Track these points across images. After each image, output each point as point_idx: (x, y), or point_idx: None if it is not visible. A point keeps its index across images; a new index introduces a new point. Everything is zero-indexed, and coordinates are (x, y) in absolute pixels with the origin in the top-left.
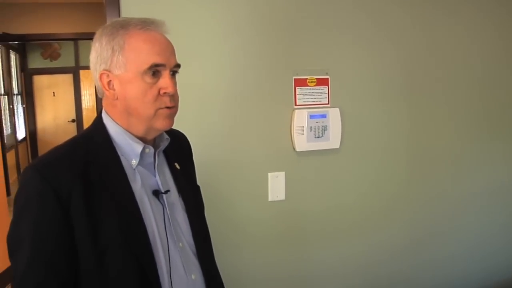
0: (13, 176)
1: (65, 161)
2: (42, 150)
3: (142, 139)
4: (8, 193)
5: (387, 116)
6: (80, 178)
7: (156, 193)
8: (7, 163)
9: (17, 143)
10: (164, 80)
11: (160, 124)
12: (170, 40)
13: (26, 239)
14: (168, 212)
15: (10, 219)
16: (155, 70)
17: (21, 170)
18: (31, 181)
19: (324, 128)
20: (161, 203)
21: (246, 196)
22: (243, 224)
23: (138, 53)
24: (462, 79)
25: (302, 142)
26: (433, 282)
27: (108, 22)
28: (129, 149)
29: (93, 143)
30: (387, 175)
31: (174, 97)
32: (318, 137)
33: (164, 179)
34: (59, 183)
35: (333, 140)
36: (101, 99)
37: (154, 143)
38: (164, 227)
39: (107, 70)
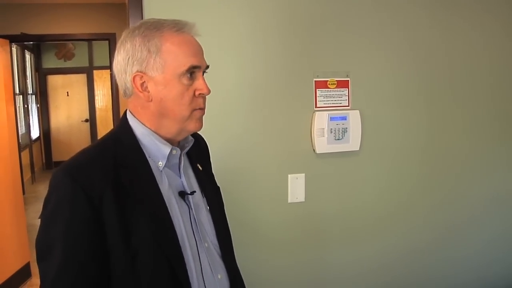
0: (27, 175)
1: (96, 164)
2: (56, 149)
3: (169, 141)
4: (23, 192)
5: (406, 119)
6: (111, 181)
7: (182, 194)
8: (21, 162)
9: (31, 142)
10: (199, 81)
11: (193, 126)
12: None
13: (57, 243)
14: (194, 213)
15: (26, 218)
16: (191, 72)
17: (35, 169)
18: (63, 185)
19: (344, 130)
20: (187, 204)
21: (266, 198)
22: (262, 225)
23: (176, 55)
24: (480, 84)
25: (322, 144)
26: (449, 284)
27: (133, 22)
28: (156, 151)
29: (121, 145)
30: (406, 178)
31: (204, 98)
32: (338, 139)
33: (188, 180)
34: (91, 186)
35: (353, 142)
36: (116, 100)
37: (179, 144)
38: (191, 228)
39: (141, 72)
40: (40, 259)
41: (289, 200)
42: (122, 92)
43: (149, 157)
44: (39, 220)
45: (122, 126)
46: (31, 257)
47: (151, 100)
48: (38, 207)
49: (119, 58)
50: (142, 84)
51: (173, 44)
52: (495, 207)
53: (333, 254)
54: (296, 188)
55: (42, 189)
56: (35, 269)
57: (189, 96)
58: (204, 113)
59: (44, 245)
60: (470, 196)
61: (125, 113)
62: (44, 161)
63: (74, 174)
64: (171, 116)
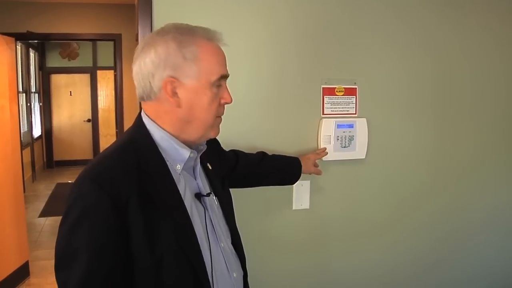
0: (28, 174)
1: (120, 170)
2: (57, 148)
3: (186, 144)
4: (24, 190)
5: (413, 128)
6: (135, 187)
7: (198, 196)
8: (23, 161)
9: (32, 141)
10: (225, 91)
11: (214, 133)
12: None
13: (82, 251)
14: (210, 214)
15: (26, 216)
16: (221, 81)
17: (36, 168)
18: (89, 192)
19: (351, 138)
20: (203, 205)
21: (271, 204)
22: (267, 231)
23: (210, 64)
24: (491, 90)
25: (328, 152)
26: None
27: (142, 24)
28: (175, 154)
29: (141, 149)
30: (412, 186)
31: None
32: (344, 147)
33: (202, 181)
34: (117, 193)
35: (359, 150)
36: (120, 101)
37: (192, 146)
38: (207, 229)
39: (174, 78)
40: (61, 267)
41: (294, 207)
42: (140, 94)
43: (167, 161)
44: (39, 219)
45: (138, 130)
46: (30, 256)
47: (180, 106)
48: (38, 206)
49: (147, 61)
50: (172, 90)
51: (207, 53)
52: (499, 218)
53: (337, 261)
54: (301, 195)
55: (43, 188)
56: (33, 268)
57: (216, 105)
58: (221, 120)
59: (67, 253)
60: (476, 205)
61: (139, 116)
62: (45, 160)
63: (99, 181)
64: (197, 123)
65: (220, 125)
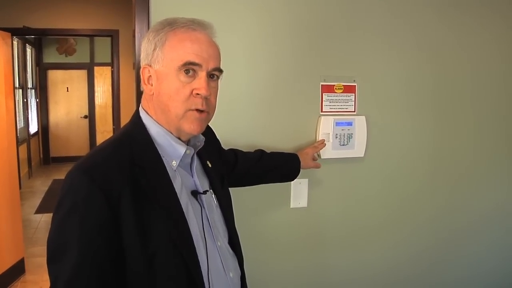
0: (24, 170)
1: (113, 163)
2: (54, 145)
3: (183, 141)
4: (20, 187)
5: (413, 126)
6: (128, 181)
7: (195, 194)
8: (19, 157)
9: (29, 137)
10: (199, 81)
11: (188, 127)
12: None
13: (72, 244)
14: (207, 212)
15: (21, 213)
16: (190, 69)
17: (32, 164)
18: (80, 184)
19: (350, 136)
20: (199, 203)
21: (268, 202)
22: (264, 229)
23: (176, 50)
24: (491, 91)
25: (327, 150)
26: None
27: (139, 19)
28: (171, 150)
29: (136, 144)
30: (410, 185)
31: (208, 100)
32: (343, 145)
33: (200, 178)
34: (109, 186)
35: (358, 148)
36: (117, 97)
37: (189, 143)
38: (203, 227)
39: (148, 65)
40: (52, 261)
41: (292, 205)
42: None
43: (163, 156)
44: (35, 215)
45: (135, 124)
46: (26, 253)
47: (153, 93)
48: (34, 202)
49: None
50: (149, 78)
51: (176, 39)
52: (499, 218)
53: (335, 260)
54: (299, 193)
55: (39, 184)
56: (29, 265)
57: (184, 94)
58: (205, 116)
59: (57, 246)
60: (475, 205)
61: (137, 111)
62: (41, 156)
63: (91, 174)
64: (166, 112)
65: (218, 123)
